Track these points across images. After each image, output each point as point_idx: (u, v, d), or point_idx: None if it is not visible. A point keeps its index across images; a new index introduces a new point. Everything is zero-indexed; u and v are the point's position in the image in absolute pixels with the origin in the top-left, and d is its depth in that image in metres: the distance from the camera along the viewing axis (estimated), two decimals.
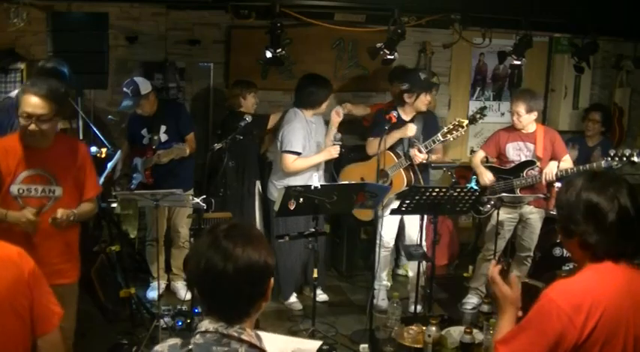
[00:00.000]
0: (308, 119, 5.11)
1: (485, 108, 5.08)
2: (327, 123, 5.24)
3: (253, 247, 1.70)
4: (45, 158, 3.22)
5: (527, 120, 5.02)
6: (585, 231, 1.92)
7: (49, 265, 3.22)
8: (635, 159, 4.78)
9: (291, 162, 4.99)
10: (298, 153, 5.00)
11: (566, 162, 5.07)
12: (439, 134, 4.88)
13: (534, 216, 5.17)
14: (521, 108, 4.97)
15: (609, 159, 4.82)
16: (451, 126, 4.84)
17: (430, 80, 5.13)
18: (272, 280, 1.76)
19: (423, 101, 5.03)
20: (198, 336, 1.70)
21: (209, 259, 1.68)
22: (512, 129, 5.16)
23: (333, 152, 4.98)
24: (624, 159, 4.78)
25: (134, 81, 4.97)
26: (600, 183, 1.94)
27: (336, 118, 5.10)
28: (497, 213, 4.99)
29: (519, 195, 5.07)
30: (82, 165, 3.35)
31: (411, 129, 4.92)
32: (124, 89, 4.95)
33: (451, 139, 4.92)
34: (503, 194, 5.00)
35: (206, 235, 1.74)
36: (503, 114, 6.79)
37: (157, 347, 1.76)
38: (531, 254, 5.28)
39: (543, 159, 5.05)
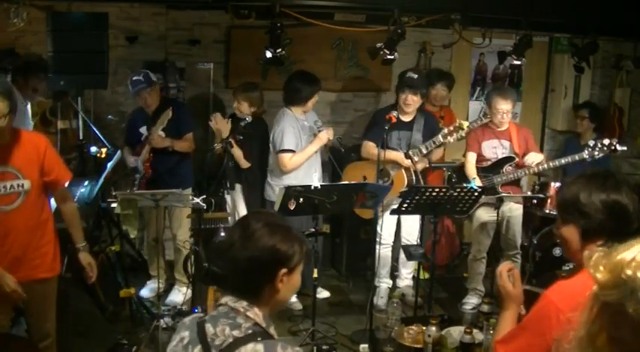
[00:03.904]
0: (299, 117, 5.11)
1: (486, 114, 5.12)
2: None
3: (271, 232, 1.80)
4: (5, 154, 3.20)
5: (510, 116, 5.14)
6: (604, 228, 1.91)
7: (25, 261, 3.29)
8: (618, 147, 4.80)
9: (288, 160, 5.00)
10: (292, 151, 5.01)
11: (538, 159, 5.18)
12: (439, 135, 4.90)
13: (517, 212, 5.19)
14: (511, 105, 5.05)
15: (590, 149, 4.84)
16: (452, 128, 4.85)
17: (416, 80, 5.06)
18: (283, 272, 1.80)
19: (404, 100, 5.02)
20: (215, 309, 1.83)
21: (231, 234, 1.86)
22: (486, 128, 5.20)
23: (323, 137, 5.00)
24: (605, 148, 4.80)
25: (145, 71, 5.06)
26: (614, 182, 1.94)
27: (325, 140, 5.01)
28: (498, 213, 5.01)
29: (519, 195, 5.09)
30: (44, 155, 3.31)
31: (407, 164, 4.95)
32: (134, 77, 4.97)
33: (451, 141, 4.94)
34: (503, 194, 5.01)
35: (242, 217, 1.95)
36: None
37: (185, 319, 1.90)
38: (519, 251, 5.27)
39: (520, 155, 5.11)
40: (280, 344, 1.74)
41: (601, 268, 1.40)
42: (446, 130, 4.89)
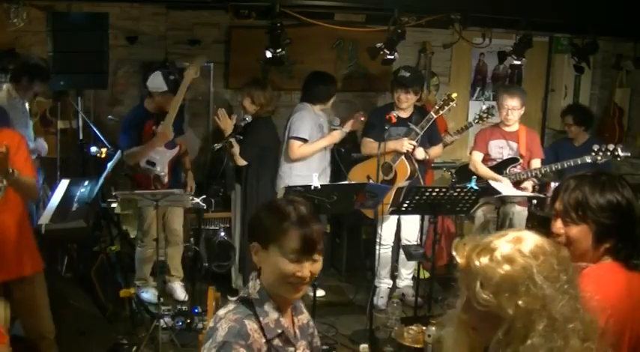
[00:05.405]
0: (317, 113, 5.20)
1: (492, 107, 5.12)
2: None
3: (273, 205, 1.91)
4: None
5: (518, 115, 5.11)
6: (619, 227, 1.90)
7: (13, 257, 3.27)
8: (620, 153, 4.80)
9: (297, 147, 5.06)
10: (305, 140, 5.06)
11: (537, 164, 5.17)
12: (431, 112, 4.95)
13: (520, 214, 5.18)
14: (517, 102, 5.05)
15: (593, 154, 4.84)
16: (441, 102, 4.92)
17: (408, 78, 5.07)
18: (253, 245, 1.89)
19: (397, 98, 5.05)
20: None
21: None
22: (495, 128, 5.24)
23: (336, 135, 5.12)
24: (608, 153, 4.81)
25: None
26: (622, 183, 1.95)
27: (355, 124, 5.17)
28: (498, 212, 5.00)
29: (522, 193, 5.08)
30: (17, 150, 3.25)
31: (407, 146, 4.95)
32: (171, 77, 4.92)
33: (442, 114, 4.99)
34: (506, 194, 5.00)
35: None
36: None
37: None
38: None
39: (525, 157, 5.12)
40: (244, 317, 1.79)
41: (464, 253, 1.44)
42: (437, 106, 4.95)
